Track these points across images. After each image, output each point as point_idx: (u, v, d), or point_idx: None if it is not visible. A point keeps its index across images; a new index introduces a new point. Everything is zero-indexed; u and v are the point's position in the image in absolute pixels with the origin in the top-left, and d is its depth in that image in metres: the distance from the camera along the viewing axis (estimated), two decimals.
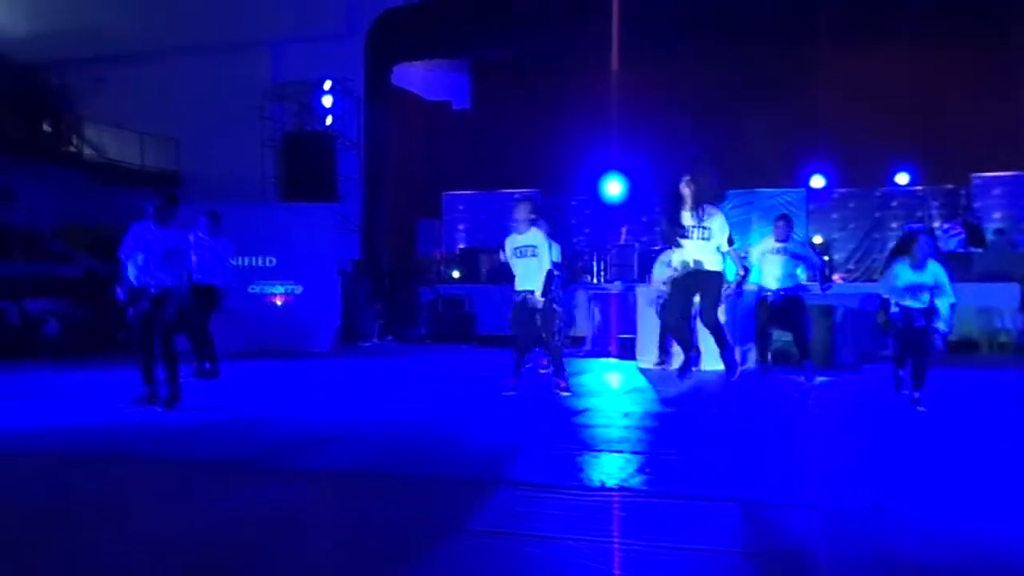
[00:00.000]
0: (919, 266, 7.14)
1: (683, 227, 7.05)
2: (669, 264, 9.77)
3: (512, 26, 18.34)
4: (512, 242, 8.04)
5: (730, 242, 7.27)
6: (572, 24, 17.94)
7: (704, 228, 7.00)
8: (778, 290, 8.90)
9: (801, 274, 9.21)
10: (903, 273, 7.21)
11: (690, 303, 7.20)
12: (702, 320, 7.15)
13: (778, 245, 9.04)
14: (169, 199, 7.24)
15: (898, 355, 7.53)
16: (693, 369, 7.46)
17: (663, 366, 10.52)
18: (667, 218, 7.19)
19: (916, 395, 7.16)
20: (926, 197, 18.29)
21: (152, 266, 7.03)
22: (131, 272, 7.08)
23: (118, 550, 3.44)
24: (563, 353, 8.28)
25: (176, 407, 7.08)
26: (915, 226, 7.91)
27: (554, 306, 7.98)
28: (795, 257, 9.05)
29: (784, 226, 9.17)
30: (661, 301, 10.04)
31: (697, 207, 7.02)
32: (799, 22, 17.60)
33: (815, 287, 9.53)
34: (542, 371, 9.30)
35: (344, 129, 18.41)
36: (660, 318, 9.83)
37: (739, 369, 7.30)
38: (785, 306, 8.88)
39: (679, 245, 7.07)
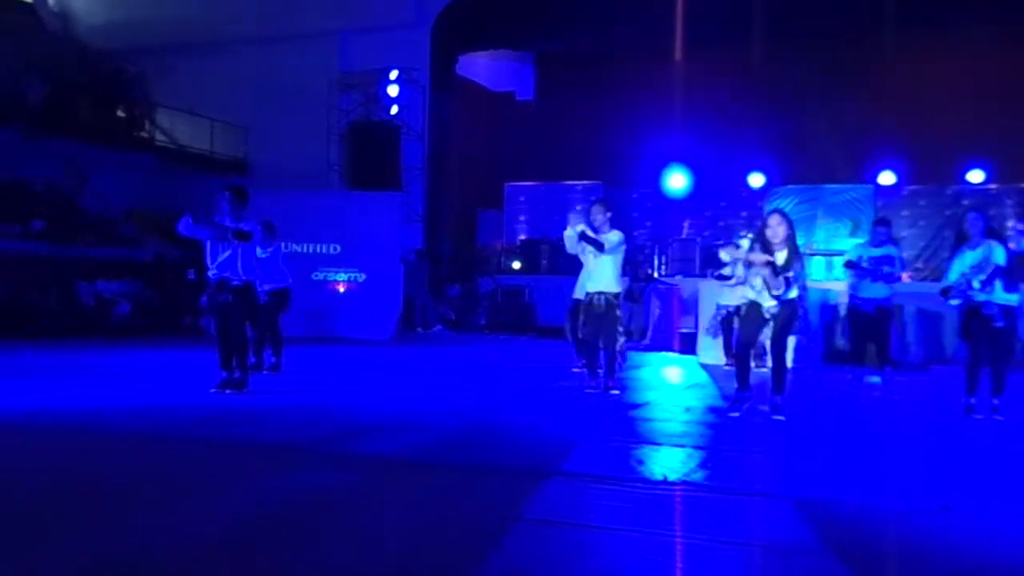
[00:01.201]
0: (973, 245, 6.83)
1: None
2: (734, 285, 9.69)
3: (576, 18, 18.29)
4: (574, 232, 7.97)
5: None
6: (636, 15, 17.82)
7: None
8: (870, 299, 8.48)
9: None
10: (960, 263, 6.87)
11: (760, 331, 6.82)
12: (772, 353, 6.85)
13: (878, 251, 8.62)
14: (237, 193, 7.38)
15: (971, 359, 6.98)
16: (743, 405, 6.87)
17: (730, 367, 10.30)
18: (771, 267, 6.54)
19: (995, 402, 6.82)
20: (1000, 196, 17.76)
21: (231, 260, 7.26)
22: (211, 267, 7.34)
23: (174, 528, 3.53)
24: (622, 357, 8.22)
25: (245, 391, 7.27)
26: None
27: (617, 311, 7.90)
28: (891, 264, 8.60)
29: (884, 231, 8.75)
30: (721, 317, 10.02)
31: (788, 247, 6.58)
32: (868, 12, 17.20)
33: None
34: (575, 370, 9.09)
35: (409, 119, 18.54)
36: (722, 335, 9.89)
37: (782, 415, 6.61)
38: (878, 316, 8.50)
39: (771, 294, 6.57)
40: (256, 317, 8.03)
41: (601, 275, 7.80)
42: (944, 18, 16.91)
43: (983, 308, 6.75)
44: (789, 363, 7.29)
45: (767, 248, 6.52)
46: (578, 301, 8.20)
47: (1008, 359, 6.93)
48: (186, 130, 19.71)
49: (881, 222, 9.13)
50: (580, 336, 8.21)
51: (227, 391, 7.23)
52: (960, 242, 7.01)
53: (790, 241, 6.56)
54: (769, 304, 6.58)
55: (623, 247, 7.93)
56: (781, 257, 6.52)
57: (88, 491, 4.12)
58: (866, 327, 8.47)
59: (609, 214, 7.88)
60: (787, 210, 17.42)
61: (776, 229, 6.53)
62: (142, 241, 17.27)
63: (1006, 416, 6.73)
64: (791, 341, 8.71)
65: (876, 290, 8.43)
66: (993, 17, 15.05)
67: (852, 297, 8.63)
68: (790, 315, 6.62)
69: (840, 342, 11.40)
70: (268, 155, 18.91)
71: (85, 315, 14.41)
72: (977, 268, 6.72)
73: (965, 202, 17.94)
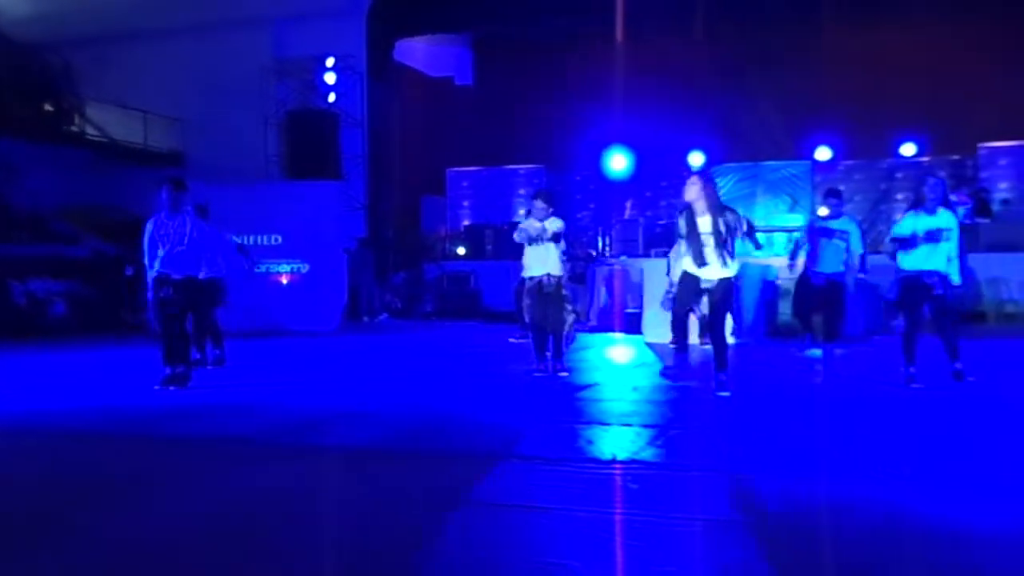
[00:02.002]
0: (931, 210, 6.70)
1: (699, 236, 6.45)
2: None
3: (513, 1, 18.24)
4: (530, 228, 8.12)
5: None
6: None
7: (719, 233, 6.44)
8: (823, 273, 8.61)
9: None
10: (915, 220, 6.73)
11: (697, 300, 6.86)
12: (710, 331, 6.90)
13: (836, 223, 8.75)
14: (176, 185, 7.27)
15: (908, 328, 6.85)
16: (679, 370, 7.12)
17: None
18: (687, 228, 6.51)
19: (957, 366, 6.72)
20: (932, 168, 18.15)
21: (171, 255, 7.14)
22: (155, 264, 7.19)
23: (127, 528, 3.47)
24: (570, 339, 8.23)
25: (188, 386, 7.16)
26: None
27: (564, 291, 7.99)
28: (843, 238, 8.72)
29: (837, 203, 8.85)
30: (672, 295, 9.99)
31: (711, 210, 6.49)
32: None
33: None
34: (512, 340, 9.21)
35: (347, 106, 18.35)
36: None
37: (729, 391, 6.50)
38: (831, 289, 8.60)
39: (705, 263, 6.48)
40: (198, 311, 7.90)
41: (548, 259, 7.88)
42: None
43: (923, 276, 6.70)
44: (731, 339, 7.38)
45: (695, 216, 6.47)
46: (525, 280, 8.31)
47: (954, 322, 6.87)
48: (119, 123, 19.23)
49: (832, 192, 9.25)
50: (528, 320, 8.23)
51: (171, 387, 7.09)
52: (916, 205, 6.89)
53: (715, 204, 6.45)
54: (706, 278, 6.51)
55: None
56: (706, 223, 6.41)
57: (38, 493, 4.03)
58: (816, 299, 8.63)
59: (551, 207, 8.03)
60: (727, 188, 17.90)
61: (693, 192, 6.50)
62: (78, 238, 16.84)
63: (976, 377, 6.71)
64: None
65: (831, 264, 8.56)
66: None
67: (808, 270, 8.73)
68: (726, 291, 6.60)
69: (783, 316, 11.58)
70: (204, 147, 18.52)
71: (18, 315, 14.02)
72: (931, 235, 6.63)
73: (899, 175, 18.38)
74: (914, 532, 3.24)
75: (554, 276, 7.80)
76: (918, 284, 6.77)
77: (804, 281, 8.83)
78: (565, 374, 7.80)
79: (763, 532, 3.25)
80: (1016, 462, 4.36)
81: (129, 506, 3.80)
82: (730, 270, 6.53)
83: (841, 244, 8.62)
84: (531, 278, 7.87)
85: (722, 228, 6.37)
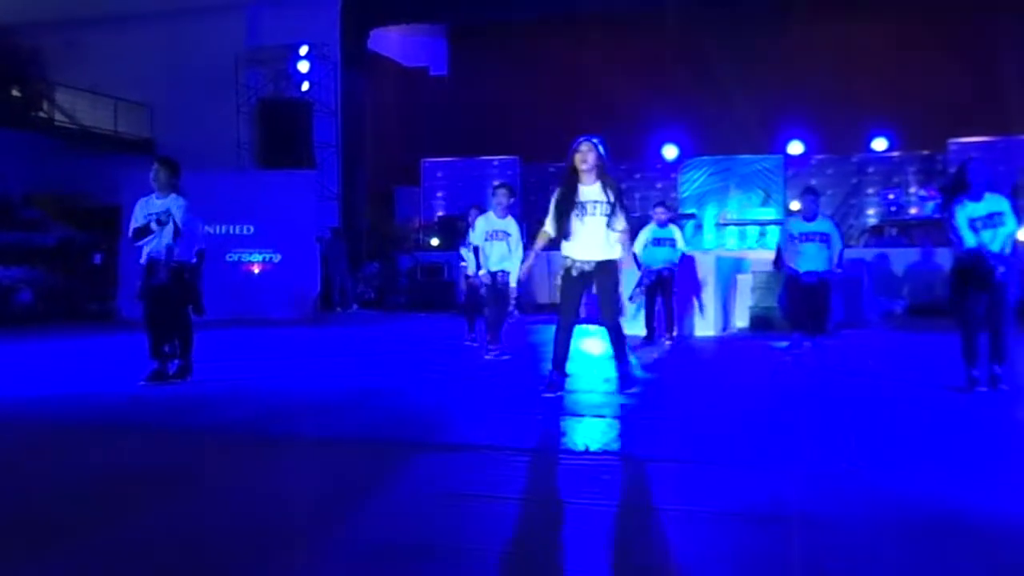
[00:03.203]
0: (975, 196, 6.01)
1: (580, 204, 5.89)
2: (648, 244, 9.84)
3: None
4: (488, 224, 8.36)
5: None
6: None
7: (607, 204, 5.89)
8: (813, 271, 8.53)
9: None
10: (965, 208, 6.00)
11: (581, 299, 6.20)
12: (604, 322, 6.13)
13: (811, 226, 8.73)
14: (165, 165, 6.98)
15: (972, 323, 6.02)
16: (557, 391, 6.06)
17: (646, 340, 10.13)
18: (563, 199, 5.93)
19: (997, 370, 5.98)
20: (903, 163, 18.42)
21: (161, 239, 6.80)
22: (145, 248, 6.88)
23: (134, 527, 3.44)
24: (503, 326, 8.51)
25: (190, 379, 6.95)
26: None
27: (510, 287, 8.34)
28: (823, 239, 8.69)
29: (813, 200, 8.82)
30: (642, 287, 10.00)
31: (600, 178, 5.95)
32: None
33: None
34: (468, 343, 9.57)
35: (321, 95, 18.22)
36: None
37: (636, 387, 6.10)
38: (820, 287, 8.54)
39: (568, 237, 5.92)
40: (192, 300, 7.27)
41: (503, 259, 8.31)
42: None
43: (989, 259, 5.89)
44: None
45: (575, 177, 5.92)
46: (480, 278, 8.58)
47: (1008, 317, 6.09)
48: (88, 110, 18.98)
49: (809, 190, 9.26)
50: (478, 310, 8.96)
51: (158, 383, 6.75)
52: (957, 191, 6.13)
53: (604, 174, 5.95)
54: (582, 259, 5.91)
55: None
56: (594, 191, 5.90)
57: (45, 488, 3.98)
58: (805, 298, 8.61)
59: (512, 199, 8.52)
60: (700, 181, 17.99)
61: (586, 155, 5.89)
62: (45, 225, 16.62)
63: (1010, 386, 5.97)
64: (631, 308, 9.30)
65: (818, 262, 8.57)
66: None
67: (794, 271, 8.70)
68: (610, 274, 5.95)
69: (756, 309, 11.65)
70: (175, 134, 18.30)
71: None
72: (988, 218, 5.96)
73: (870, 170, 18.56)
74: (877, 523, 3.27)
75: (508, 273, 8.24)
76: (979, 267, 5.93)
77: (793, 282, 8.79)
78: (492, 356, 8.22)
79: (735, 523, 3.27)
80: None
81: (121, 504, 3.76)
82: (614, 251, 5.94)
83: (823, 245, 8.65)
84: (489, 272, 8.29)
85: (611, 198, 5.85)
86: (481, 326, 8.91)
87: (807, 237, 8.69)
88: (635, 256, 9.55)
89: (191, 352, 7.07)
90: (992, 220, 5.98)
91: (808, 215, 8.83)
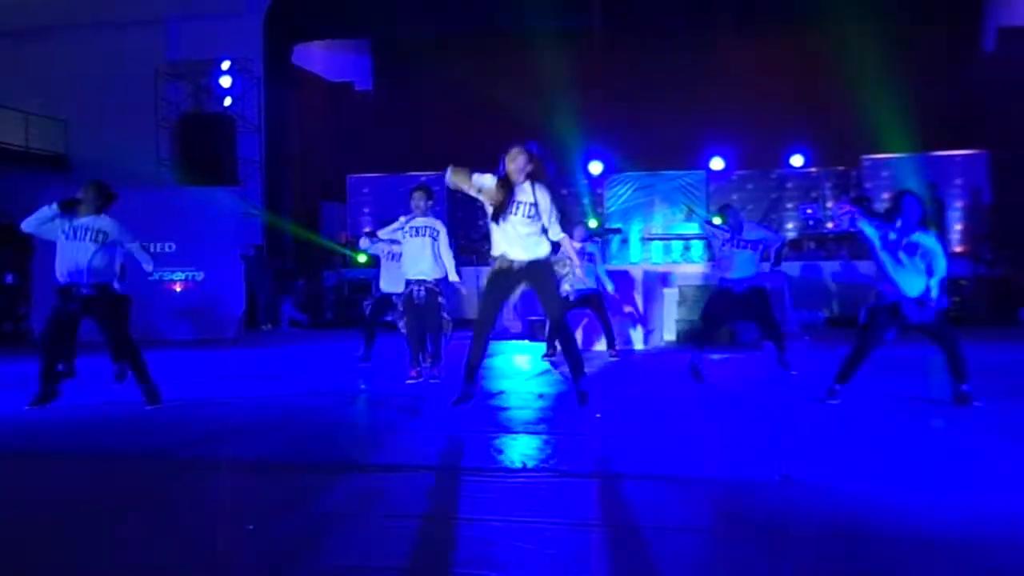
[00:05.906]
0: (907, 231, 6.15)
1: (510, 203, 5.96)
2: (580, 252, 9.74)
3: (410, 5, 18.18)
4: (410, 220, 8.02)
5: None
6: (470, 1, 17.92)
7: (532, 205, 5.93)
8: (741, 279, 8.33)
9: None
10: (890, 236, 6.16)
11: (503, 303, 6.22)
12: (547, 316, 6.15)
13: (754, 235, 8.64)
14: (95, 188, 6.80)
15: (864, 351, 6.25)
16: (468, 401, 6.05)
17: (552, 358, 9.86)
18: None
19: (965, 388, 6.04)
20: (820, 178, 18.98)
21: (80, 261, 6.53)
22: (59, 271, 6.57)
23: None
24: (445, 344, 8.13)
25: (157, 404, 6.62)
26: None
27: (440, 299, 7.88)
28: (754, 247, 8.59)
29: (733, 212, 8.80)
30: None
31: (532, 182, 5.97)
32: (697, 8, 17.98)
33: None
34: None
35: (244, 111, 17.95)
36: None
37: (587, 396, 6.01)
38: (752, 296, 8.35)
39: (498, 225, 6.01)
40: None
41: (419, 262, 7.84)
42: (766, 14, 17.91)
43: (905, 309, 6.09)
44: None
45: (508, 183, 5.97)
46: (387, 295, 8.26)
47: (955, 335, 6.22)
48: None
49: (727, 207, 9.28)
50: (403, 330, 8.13)
51: (42, 406, 6.47)
52: (890, 218, 6.27)
53: (538, 179, 5.97)
54: (512, 257, 5.96)
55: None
56: (522, 194, 5.95)
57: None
58: (732, 308, 8.43)
59: (431, 201, 8.08)
60: (625, 196, 18.21)
61: (515, 157, 5.98)
62: None
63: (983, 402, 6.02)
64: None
65: (746, 270, 8.49)
66: (814, 9, 15.96)
67: (721, 279, 8.57)
68: (543, 269, 6.00)
69: (683, 324, 11.84)
70: (91, 150, 17.81)
71: None
72: (909, 248, 6.10)
73: (789, 185, 19.07)
74: (812, 530, 3.34)
75: (426, 283, 7.77)
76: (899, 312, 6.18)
77: (724, 292, 8.43)
78: (436, 380, 7.75)
79: (669, 536, 3.30)
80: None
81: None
82: (543, 249, 5.99)
83: (754, 253, 8.52)
84: (406, 283, 7.83)
85: (543, 203, 5.91)
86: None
87: (741, 245, 8.63)
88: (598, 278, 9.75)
89: (149, 373, 6.68)
90: (914, 249, 6.10)
91: (737, 226, 8.76)
